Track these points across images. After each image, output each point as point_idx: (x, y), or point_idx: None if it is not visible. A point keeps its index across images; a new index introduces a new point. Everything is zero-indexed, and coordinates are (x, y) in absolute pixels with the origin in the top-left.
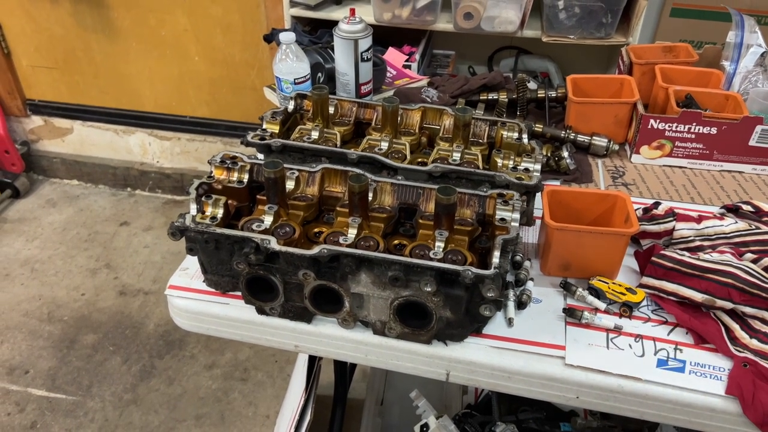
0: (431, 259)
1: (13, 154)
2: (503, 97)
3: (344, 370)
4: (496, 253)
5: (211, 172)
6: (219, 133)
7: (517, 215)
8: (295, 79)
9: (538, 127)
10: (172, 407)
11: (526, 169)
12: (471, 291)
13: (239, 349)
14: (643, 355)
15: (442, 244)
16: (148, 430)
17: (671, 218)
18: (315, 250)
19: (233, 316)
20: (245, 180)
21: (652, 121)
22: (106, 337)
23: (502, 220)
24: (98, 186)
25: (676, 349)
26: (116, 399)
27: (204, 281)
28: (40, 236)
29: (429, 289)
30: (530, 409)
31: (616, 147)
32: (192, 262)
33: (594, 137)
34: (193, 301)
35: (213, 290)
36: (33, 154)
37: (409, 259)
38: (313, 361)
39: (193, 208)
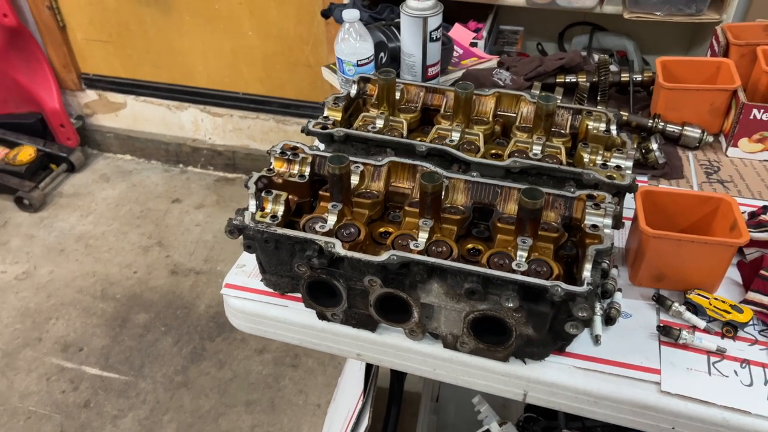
0: (513, 271)
1: (68, 128)
2: (583, 80)
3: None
4: (588, 266)
5: (271, 164)
6: (272, 110)
7: (609, 221)
8: (358, 61)
9: (623, 115)
10: (222, 392)
11: (618, 167)
12: (558, 307)
13: None
14: (751, 384)
15: (526, 254)
16: (199, 415)
17: None
18: (383, 257)
19: (292, 319)
20: (306, 173)
21: (755, 110)
22: (157, 316)
23: (594, 226)
24: (150, 162)
25: None
26: (167, 381)
27: (262, 281)
28: (94, 212)
29: (511, 305)
30: None
31: (710, 139)
32: (249, 259)
33: (686, 127)
34: (250, 302)
35: (271, 290)
36: (87, 129)
37: (488, 271)
38: (371, 366)
39: (252, 205)
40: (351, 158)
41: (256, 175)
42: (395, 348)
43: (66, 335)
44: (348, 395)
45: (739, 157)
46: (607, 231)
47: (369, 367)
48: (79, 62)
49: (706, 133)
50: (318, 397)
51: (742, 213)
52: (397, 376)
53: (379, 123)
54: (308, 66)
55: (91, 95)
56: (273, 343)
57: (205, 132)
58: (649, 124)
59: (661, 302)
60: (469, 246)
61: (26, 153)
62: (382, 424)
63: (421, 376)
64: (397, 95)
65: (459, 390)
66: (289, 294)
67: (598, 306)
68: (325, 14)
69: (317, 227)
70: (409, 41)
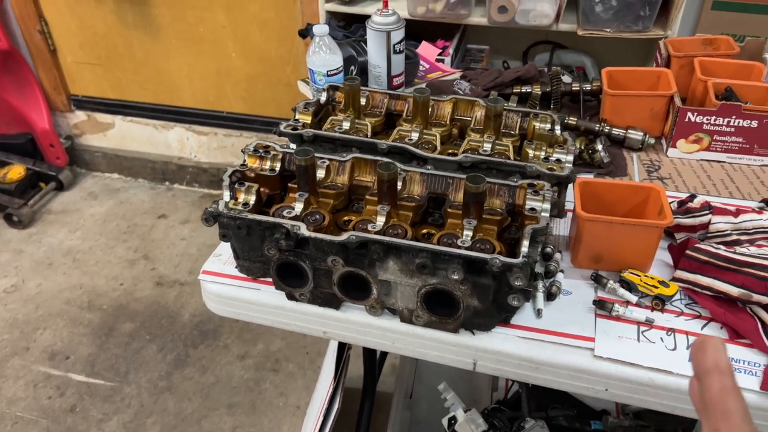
0: (459, 247)
1: (57, 148)
2: (537, 89)
3: (373, 362)
4: (525, 242)
5: (245, 160)
6: (255, 128)
7: (547, 205)
8: (328, 71)
9: (572, 120)
10: (205, 395)
11: (558, 160)
12: (499, 280)
13: (271, 340)
14: (675, 349)
15: (471, 233)
16: (182, 417)
17: (707, 211)
18: (344, 237)
19: (264, 301)
20: (277, 168)
21: (689, 113)
22: (142, 325)
23: (532, 209)
24: (138, 179)
25: None
26: (151, 386)
27: (236, 267)
28: (82, 227)
29: (456, 277)
30: (560, 407)
31: (652, 141)
32: (225, 249)
33: (629, 130)
34: (225, 286)
35: (245, 276)
36: (76, 148)
37: (436, 247)
38: (342, 351)
39: (226, 195)
40: (318, 154)
41: (230, 170)
42: (357, 324)
43: (53, 344)
44: (321, 386)
45: (678, 157)
46: (544, 214)
47: (340, 355)
48: (69, 84)
49: (647, 136)
50: (298, 399)
51: (673, 202)
52: (370, 370)
53: (346, 125)
54: (289, 85)
55: (80, 116)
56: (255, 348)
57: (191, 150)
58: (597, 128)
59: (598, 281)
60: (424, 231)
61: (16, 172)
62: (356, 420)
63: (394, 375)
64: (363, 101)
65: (432, 386)
66: (261, 278)
67: (540, 284)
68: (303, 34)
69: (285, 213)
70: (375, 53)
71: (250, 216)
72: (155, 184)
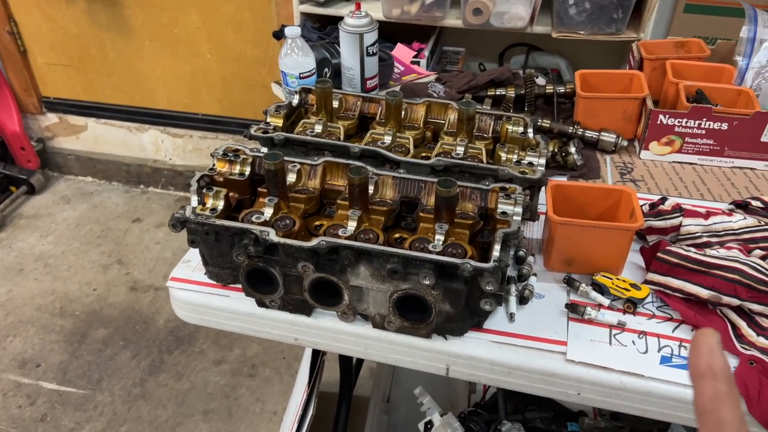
0: (430, 252)
1: (28, 151)
2: (510, 92)
3: (350, 366)
4: (497, 247)
5: (214, 164)
6: (230, 130)
7: (519, 209)
8: (300, 74)
9: (546, 123)
10: (180, 402)
11: (530, 163)
12: (471, 284)
13: (247, 345)
14: (646, 352)
15: (442, 238)
16: (156, 425)
17: (678, 214)
18: (313, 242)
19: (233, 308)
20: (246, 172)
21: (661, 116)
22: (116, 331)
23: (504, 213)
24: (111, 183)
25: (680, 346)
26: (125, 393)
27: (205, 273)
28: (53, 232)
29: (427, 282)
30: (537, 409)
31: (625, 143)
32: (194, 255)
33: (602, 133)
34: (194, 293)
35: (214, 282)
36: (48, 151)
37: (407, 252)
38: (317, 356)
39: (193, 200)
40: (289, 158)
41: (198, 174)
42: (329, 330)
43: (23, 352)
44: (297, 391)
45: (650, 159)
46: (516, 218)
47: (314, 361)
48: (40, 86)
49: (621, 138)
50: (275, 405)
51: (645, 204)
52: (347, 375)
53: (318, 128)
54: (265, 87)
55: (51, 118)
56: (231, 354)
57: (166, 153)
58: (570, 130)
59: (570, 284)
60: (396, 235)
61: None
62: (332, 425)
63: (372, 379)
64: (336, 104)
65: (410, 390)
66: (231, 285)
67: (513, 288)
68: (277, 35)
69: (254, 219)
70: (348, 56)
71: (218, 222)
72: (130, 188)
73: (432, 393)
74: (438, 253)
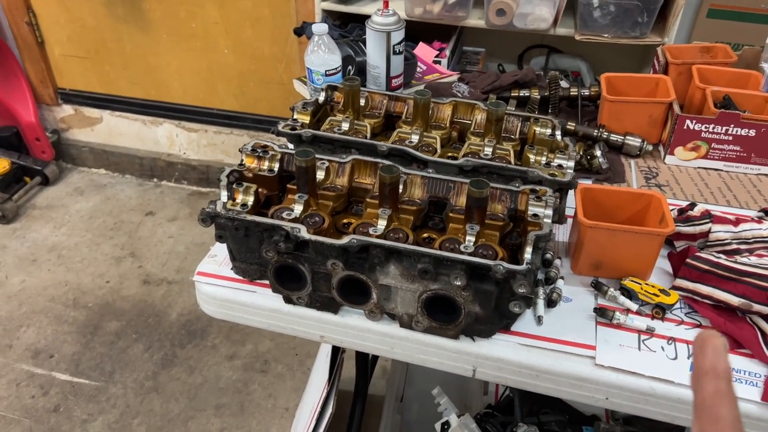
0: (462, 253)
1: (43, 142)
2: (535, 94)
3: (365, 364)
4: (528, 249)
5: (242, 160)
6: (246, 126)
7: (549, 211)
8: (326, 71)
9: (571, 126)
10: (192, 396)
11: (560, 166)
12: (501, 287)
13: (260, 340)
14: (676, 358)
15: (473, 238)
16: (168, 418)
17: (707, 220)
18: (345, 240)
19: (260, 304)
20: (276, 169)
21: (688, 121)
22: (129, 324)
23: (535, 216)
24: (125, 176)
25: None
26: (138, 386)
27: (232, 269)
28: (67, 223)
29: (459, 283)
30: (552, 412)
31: (650, 147)
32: (220, 249)
33: (627, 137)
34: (220, 288)
35: (241, 278)
36: (63, 143)
37: (439, 252)
38: (336, 354)
39: (224, 195)
40: (317, 155)
41: (228, 170)
42: (356, 329)
43: (37, 342)
44: (313, 388)
45: (675, 164)
46: (546, 220)
47: (334, 358)
48: (57, 77)
49: (646, 142)
50: (287, 401)
51: (673, 210)
52: (362, 373)
53: (345, 126)
54: (281, 84)
55: (67, 110)
56: (243, 349)
57: (180, 147)
58: (595, 133)
59: (598, 288)
60: (425, 235)
61: (0, 165)
62: (347, 424)
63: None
64: (362, 102)
65: (423, 390)
66: (258, 281)
67: (541, 291)
68: (298, 32)
69: (284, 215)
70: (374, 54)
71: (249, 217)
72: (143, 181)
73: (446, 393)
74: (470, 254)
